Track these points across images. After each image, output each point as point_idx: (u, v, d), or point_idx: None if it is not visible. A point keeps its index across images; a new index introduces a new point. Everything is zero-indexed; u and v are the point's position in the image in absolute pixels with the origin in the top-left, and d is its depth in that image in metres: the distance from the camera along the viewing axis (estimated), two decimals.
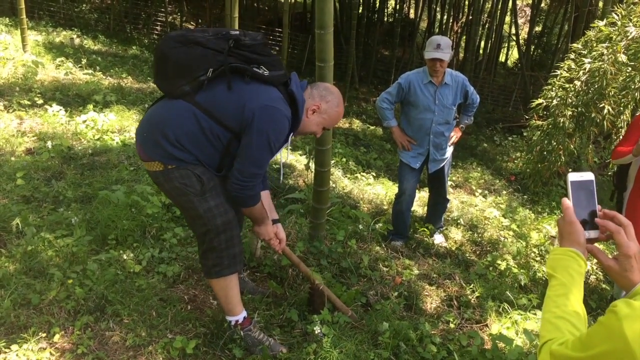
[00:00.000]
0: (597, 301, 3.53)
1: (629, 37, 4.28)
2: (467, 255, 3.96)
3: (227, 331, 2.43)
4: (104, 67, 8.14)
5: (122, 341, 2.37)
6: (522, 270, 3.58)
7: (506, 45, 16.36)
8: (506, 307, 3.08)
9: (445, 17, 13.85)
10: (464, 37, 13.47)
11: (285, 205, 4.01)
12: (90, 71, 7.52)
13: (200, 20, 13.95)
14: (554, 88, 4.92)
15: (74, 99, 6.14)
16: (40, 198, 3.65)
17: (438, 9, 14.19)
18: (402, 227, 4.01)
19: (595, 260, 3.81)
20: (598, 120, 4.54)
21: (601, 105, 4.44)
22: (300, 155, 5.72)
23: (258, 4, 14.95)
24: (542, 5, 14.22)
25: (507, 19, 13.92)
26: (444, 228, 4.34)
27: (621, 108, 4.46)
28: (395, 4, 14.40)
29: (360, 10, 12.36)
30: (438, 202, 4.20)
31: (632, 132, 3.25)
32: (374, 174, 5.86)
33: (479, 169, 7.15)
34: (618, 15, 4.39)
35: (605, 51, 4.37)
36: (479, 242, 4.25)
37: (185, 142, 2.07)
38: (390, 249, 3.75)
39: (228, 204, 2.21)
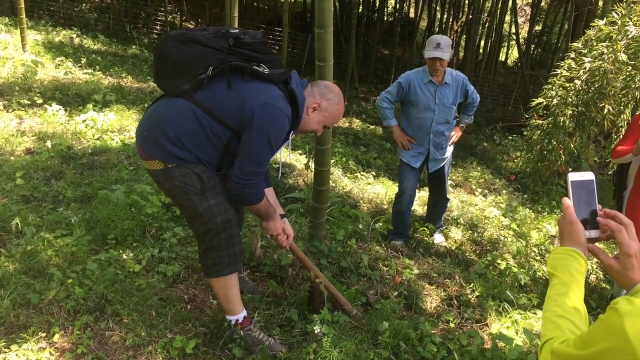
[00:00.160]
0: (597, 300, 3.53)
1: (629, 36, 4.28)
2: (467, 254, 3.95)
3: (226, 331, 2.42)
4: (103, 66, 8.13)
5: (121, 341, 2.36)
6: (522, 270, 3.58)
7: (506, 44, 16.35)
8: (506, 307, 3.08)
9: (445, 16, 13.84)
10: (464, 36, 13.46)
11: (285, 204, 4.01)
12: (89, 70, 7.51)
13: (200, 20, 13.94)
14: (554, 87, 4.91)
15: (73, 98, 6.14)
16: (39, 198, 3.65)
17: (438, 8, 14.18)
18: (402, 226, 4.01)
19: (595, 260, 3.82)
20: (598, 120, 4.53)
21: (601, 105, 4.43)
22: (300, 154, 5.71)
23: (258, 3, 14.93)
24: (542, 4, 14.21)
25: (507, 18, 13.90)
26: (444, 227, 4.34)
27: (621, 107, 4.46)
28: (395, 3, 14.38)
29: (360, 10, 12.35)
30: (438, 202, 4.20)
31: (632, 131, 3.25)
32: (373, 173, 5.86)
33: (479, 168, 7.15)
34: (618, 14, 4.38)
35: (605, 50, 4.37)
36: (479, 242, 4.25)
37: (186, 140, 2.06)
38: (390, 248, 3.74)
39: (228, 202, 2.21)
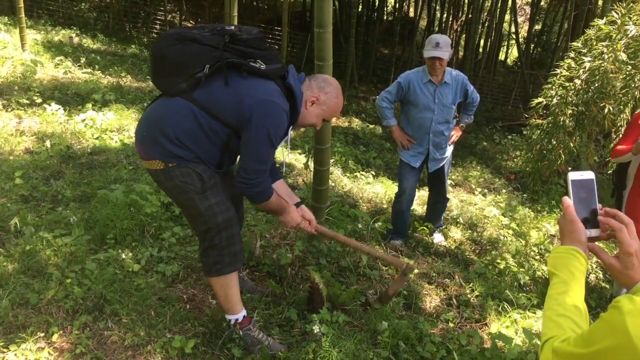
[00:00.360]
0: (597, 300, 3.53)
1: (629, 36, 4.27)
2: (467, 254, 3.95)
3: (226, 330, 2.42)
4: (103, 66, 8.12)
5: (120, 341, 2.36)
6: (521, 269, 3.57)
7: (506, 43, 16.37)
8: (505, 306, 3.08)
9: (444, 15, 13.86)
10: (464, 36, 13.47)
11: None
12: (89, 70, 7.51)
13: (199, 19, 13.93)
14: (554, 87, 4.91)
15: (72, 97, 6.13)
16: (38, 197, 3.64)
17: (438, 7, 14.19)
18: (402, 226, 4.00)
19: (595, 259, 3.82)
20: (598, 119, 4.53)
21: (602, 104, 4.43)
22: (300, 154, 5.71)
23: (257, 3, 14.94)
24: (542, 3, 14.22)
25: (507, 17, 13.91)
26: (443, 227, 4.34)
27: (621, 107, 4.45)
28: (395, 3, 14.39)
29: (359, 9, 12.35)
30: (438, 201, 4.19)
31: (631, 130, 3.25)
32: (373, 172, 5.86)
33: (478, 167, 7.15)
34: (618, 14, 4.38)
35: (605, 50, 4.37)
36: (479, 241, 4.25)
37: (185, 139, 2.06)
38: (389, 247, 3.74)
39: (228, 201, 2.21)
